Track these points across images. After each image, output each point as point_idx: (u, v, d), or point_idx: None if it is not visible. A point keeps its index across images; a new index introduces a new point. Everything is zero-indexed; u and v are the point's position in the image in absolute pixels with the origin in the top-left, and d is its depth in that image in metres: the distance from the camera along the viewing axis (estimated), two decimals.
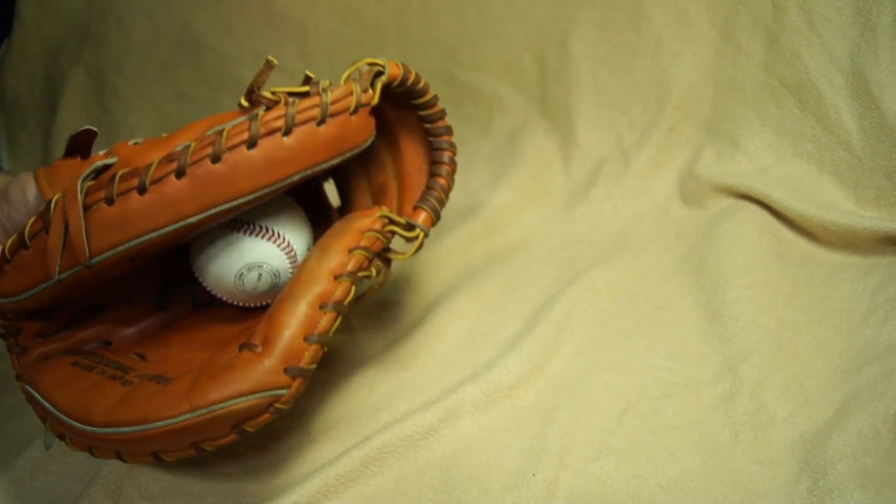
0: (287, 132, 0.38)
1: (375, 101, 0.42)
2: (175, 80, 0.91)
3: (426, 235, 0.46)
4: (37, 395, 0.39)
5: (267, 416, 0.36)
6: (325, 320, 0.37)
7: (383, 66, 0.42)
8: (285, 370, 0.35)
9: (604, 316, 0.55)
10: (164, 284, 0.49)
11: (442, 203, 0.48)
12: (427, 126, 0.48)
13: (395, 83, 0.43)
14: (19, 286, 0.39)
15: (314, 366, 0.37)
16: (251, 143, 0.38)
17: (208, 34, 0.88)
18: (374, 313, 0.61)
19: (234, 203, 0.38)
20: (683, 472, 0.41)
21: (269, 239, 0.45)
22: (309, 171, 0.40)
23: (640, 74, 0.70)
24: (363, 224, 0.42)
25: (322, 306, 0.38)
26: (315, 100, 0.39)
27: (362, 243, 0.41)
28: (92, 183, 0.37)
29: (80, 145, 0.42)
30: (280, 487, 0.44)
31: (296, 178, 0.40)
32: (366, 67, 0.42)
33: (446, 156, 0.49)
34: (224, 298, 0.47)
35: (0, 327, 0.41)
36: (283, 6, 0.84)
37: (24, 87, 1.02)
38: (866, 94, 0.59)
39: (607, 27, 0.71)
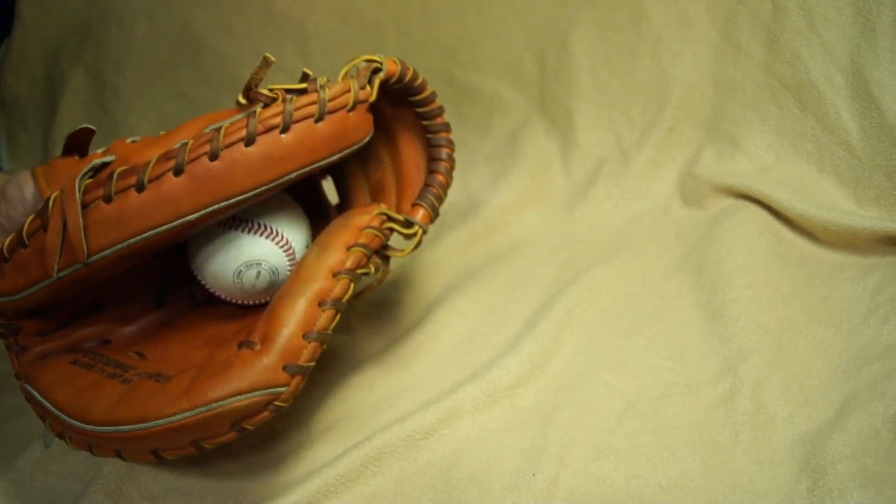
0: (285, 129, 0.38)
1: (373, 97, 0.42)
2: (175, 80, 0.91)
3: (425, 232, 0.46)
4: (36, 393, 0.39)
5: (266, 413, 0.36)
6: (324, 318, 0.37)
7: (381, 63, 0.42)
8: (284, 368, 0.35)
9: (604, 316, 0.55)
10: (163, 283, 0.49)
11: (440, 200, 0.48)
12: (425, 123, 0.48)
13: (393, 80, 0.43)
14: (18, 285, 0.39)
15: (313, 363, 0.37)
16: (249, 141, 0.38)
17: (208, 34, 0.88)
18: (374, 313, 0.61)
19: (233, 200, 0.38)
20: (683, 472, 0.41)
21: (267, 237, 0.45)
22: (307, 169, 0.40)
23: (640, 74, 0.70)
24: (361, 221, 0.42)
25: (321, 304, 0.38)
26: (313, 97, 0.39)
27: (361, 240, 0.41)
28: (90, 181, 0.37)
29: (78, 144, 0.42)
30: (280, 487, 0.44)
31: (294, 175, 0.40)
32: (363, 64, 0.42)
33: (444, 152, 0.49)
34: (223, 296, 0.47)
35: None
36: (283, 6, 0.84)
37: (24, 87, 1.02)
38: (866, 94, 0.59)
39: (607, 27, 0.71)
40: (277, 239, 0.45)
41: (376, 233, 0.42)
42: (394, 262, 0.46)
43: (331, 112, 0.40)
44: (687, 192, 0.65)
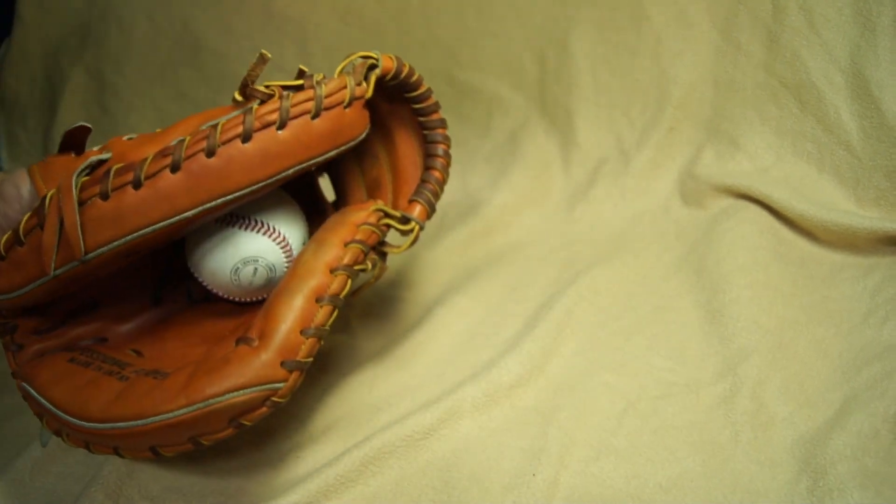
0: (281, 126, 0.38)
1: (369, 93, 0.42)
2: (175, 80, 0.91)
3: (422, 228, 0.46)
4: (33, 391, 0.39)
5: (264, 409, 0.36)
6: (322, 314, 0.37)
7: (377, 60, 0.42)
8: (282, 364, 0.35)
9: (604, 316, 0.55)
10: (160, 280, 0.49)
11: (437, 196, 0.48)
12: (421, 119, 0.48)
13: (389, 76, 0.43)
14: (14, 283, 0.38)
15: (311, 359, 0.37)
16: (246, 137, 0.38)
17: (208, 34, 0.88)
18: (373, 313, 0.61)
19: (229, 197, 0.38)
20: (683, 472, 0.41)
21: (264, 233, 0.45)
22: (304, 165, 0.40)
23: (640, 74, 0.70)
24: (358, 217, 0.42)
25: (318, 300, 0.38)
26: (309, 93, 0.39)
27: (358, 237, 0.41)
28: (86, 178, 0.37)
29: (75, 141, 0.42)
30: (280, 487, 0.44)
31: (290, 171, 0.40)
32: (359, 61, 0.42)
33: (441, 149, 0.48)
34: (220, 293, 0.47)
35: None
36: (283, 6, 0.84)
37: (24, 87, 1.02)
38: (866, 94, 0.59)
39: (607, 27, 0.71)
40: (274, 236, 0.45)
41: (373, 229, 0.42)
42: (393, 262, 0.46)
43: (327, 108, 0.40)
44: (687, 192, 0.65)
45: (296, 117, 0.39)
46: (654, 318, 0.54)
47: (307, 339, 0.36)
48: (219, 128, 0.37)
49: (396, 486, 0.43)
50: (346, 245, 0.40)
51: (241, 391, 0.34)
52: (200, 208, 0.38)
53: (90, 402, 0.36)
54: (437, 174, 0.48)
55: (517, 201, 0.71)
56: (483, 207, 0.70)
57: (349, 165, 0.52)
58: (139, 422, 0.34)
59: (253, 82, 0.40)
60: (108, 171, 0.37)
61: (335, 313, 0.38)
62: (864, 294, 0.51)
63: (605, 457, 0.43)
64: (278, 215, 0.45)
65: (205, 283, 0.46)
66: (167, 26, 0.91)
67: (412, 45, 0.78)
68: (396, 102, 0.48)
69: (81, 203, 0.37)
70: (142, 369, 0.39)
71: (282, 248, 0.45)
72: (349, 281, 0.39)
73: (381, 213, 0.44)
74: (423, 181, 0.48)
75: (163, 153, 0.37)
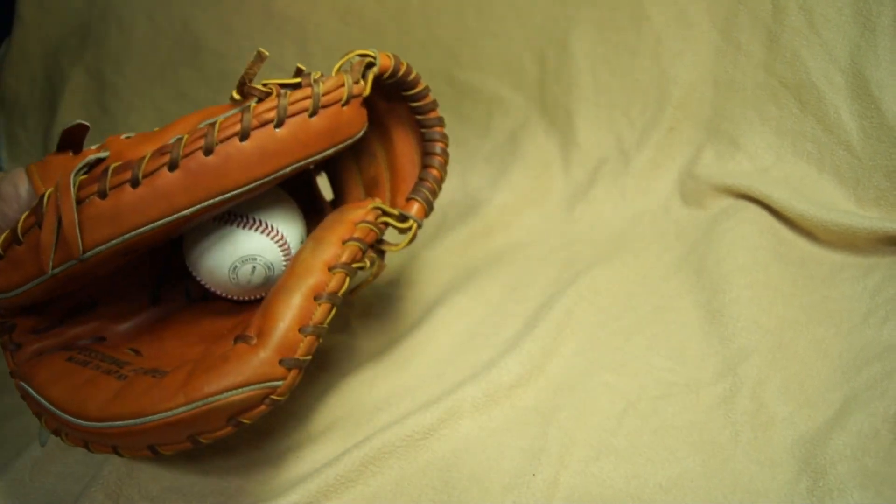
0: (279, 124, 0.38)
1: (367, 91, 0.42)
2: (175, 80, 0.91)
3: (419, 226, 0.46)
4: (32, 391, 0.39)
5: (263, 407, 0.36)
6: (320, 312, 0.37)
7: (374, 58, 0.42)
8: (281, 362, 0.35)
9: (604, 316, 0.55)
10: (158, 279, 0.49)
11: (435, 194, 0.48)
12: (419, 117, 0.48)
13: (387, 74, 0.43)
14: (12, 282, 0.38)
15: (309, 357, 0.37)
16: (243, 135, 0.38)
17: (208, 34, 0.88)
18: (373, 313, 0.61)
19: (227, 195, 0.38)
20: (683, 472, 0.41)
21: (262, 232, 0.44)
22: (301, 163, 0.40)
23: (640, 74, 0.70)
24: (356, 216, 0.42)
25: (317, 298, 0.38)
26: (307, 91, 0.40)
27: (356, 235, 0.41)
28: (84, 177, 0.37)
29: (73, 140, 0.42)
30: (280, 487, 0.44)
31: (288, 169, 0.40)
32: (357, 59, 0.42)
33: (438, 147, 0.49)
34: (218, 292, 0.47)
35: None
36: (283, 6, 0.84)
37: (24, 87, 1.02)
38: (866, 94, 0.59)
39: (607, 27, 0.71)
40: (272, 234, 0.45)
41: (371, 227, 0.42)
42: (393, 261, 0.46)
43: (325, 106, 0.40)
44: (687, 192, 0.65)
45: (293, 115, 0.39)
46: (654, 318, 0.53)
47: (305, 337, 0.36)
48: (216, 126, 0.37)
49: (396, 486, 0.43)
50: (344, 243, 0.40)
51: (240, 389, 0.34)
52: (198, 206, 0.37)
53: (89, 401, 0.36)
54: (434, 172, 0.48)
55: (517, 201, 0.71)
56: (483, 207, 0.70)
57: (347, 164, 0.52)
58: (138, 420, 0.34)
59: (250, 80, 0.40)
60: (105, 170, 0.37)
61: (333, 311, 0.38)
62: (864, 294, 0.51)
63: (605, 457, 0.43)
64: (276, 214, 0.45)
65: (203, 282, 0.46)
66: (167, 26, 0.91)
67: (412, 45, 0.78)
68: (394, 101, 0.48)
69: (79, 202, 0.37)
70: (140, 368, 0.39)
71: (280, 246, 0.45)
72: (347, 279, 0.39)
73: (379, 212, 0.44)
74: (421, 179, 0.48)
75: (160, 151, 0.37)
